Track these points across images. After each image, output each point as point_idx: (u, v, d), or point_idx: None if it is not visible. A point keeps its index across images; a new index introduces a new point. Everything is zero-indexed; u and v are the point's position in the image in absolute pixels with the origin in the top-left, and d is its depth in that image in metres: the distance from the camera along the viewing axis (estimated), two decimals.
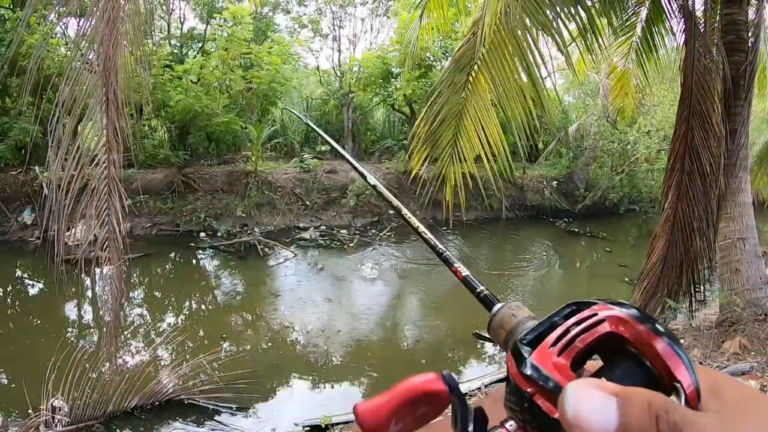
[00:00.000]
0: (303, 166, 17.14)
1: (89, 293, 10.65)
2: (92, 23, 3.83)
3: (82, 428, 5.04)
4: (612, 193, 18.41)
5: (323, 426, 5.43)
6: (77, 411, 5.14)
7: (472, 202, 17.21)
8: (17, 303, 10.87)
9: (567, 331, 0.46)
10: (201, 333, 8.60)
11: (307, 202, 16.36)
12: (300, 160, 17.43)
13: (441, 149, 5.88)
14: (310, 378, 7.28)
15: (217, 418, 6.04)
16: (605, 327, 0.45)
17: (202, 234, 14.28)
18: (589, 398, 0.39)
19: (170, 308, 10.23)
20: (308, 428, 5.52)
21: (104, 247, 4.07)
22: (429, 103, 6.00)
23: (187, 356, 6.56)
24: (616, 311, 0.45)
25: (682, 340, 5.72)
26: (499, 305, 0.60)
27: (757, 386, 4.51)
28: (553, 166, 20.56)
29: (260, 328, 9.07)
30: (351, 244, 14.46)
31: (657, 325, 0.43)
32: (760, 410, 0.40)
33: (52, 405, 5.00)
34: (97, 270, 10.54)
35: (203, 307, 10.47)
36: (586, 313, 0.47)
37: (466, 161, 5.76)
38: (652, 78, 8.97)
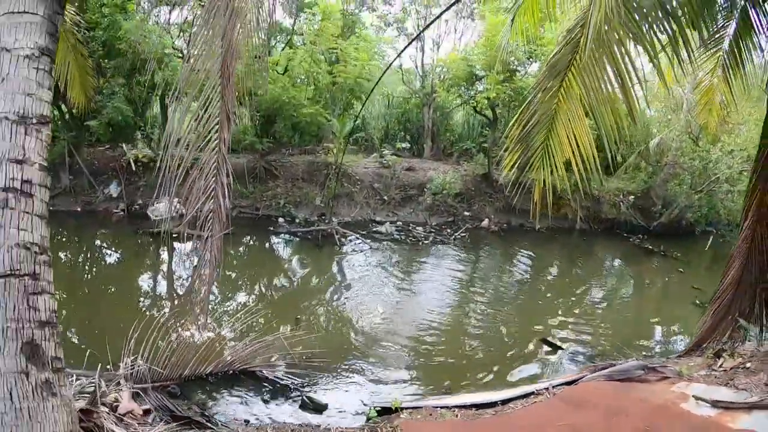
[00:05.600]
0: (382, 161, 17.54)
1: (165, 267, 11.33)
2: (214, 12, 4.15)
3: (158, 387, 5.39)
4: (689, 212, 17.95)
5: (393, 409, 5.66)
6: (155, 372, 5.50)
7: (547, 211, 17.22)
8: (97, 270, 11.56)
9: None
10: (272, 313, 8.94)
11: (385, 197, 16.70)
12: (380, 156, 17.79)
13: (532, 152, 6.00)
14: (375, 363, 7.52)
15: (284, 392, 6.40)
16: None
17: (281, 219, 14.87)
18: None
19: (245, 287, 10.68)
20: (379, 409, 5.77)
21: (209, 218, 4.43)
22: (522, 107, 6.11)
23: (261, 332, 6.89)
24: None
25: (748, 363, 5.76)
26: None
27: None
28: (632, 180, 20.17)
29: (331, 314, 9.40)
30: (426, 242, 14.71)
31: None
32: None
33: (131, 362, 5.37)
34: (180, 244, 11.32)
35: (277, 288, 10.87)
36: None
37: (556, 167, 5.85)
38: (737, 95, 8.81)
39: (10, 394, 2.78)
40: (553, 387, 6.15)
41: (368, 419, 5.66)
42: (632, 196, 19.19)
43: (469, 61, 17.80)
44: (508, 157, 6.08)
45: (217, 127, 4.27)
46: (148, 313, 8.56)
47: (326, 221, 14.84)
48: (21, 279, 2.88)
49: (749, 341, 6.48)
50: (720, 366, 6.10)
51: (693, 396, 5.31)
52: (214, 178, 4.39)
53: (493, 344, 8.51)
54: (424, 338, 8.48)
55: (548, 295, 11.70)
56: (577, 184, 17.53)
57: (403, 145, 19.87)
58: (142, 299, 9.70)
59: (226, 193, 4.38)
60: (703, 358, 6.59)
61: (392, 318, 9.31)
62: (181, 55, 14.29)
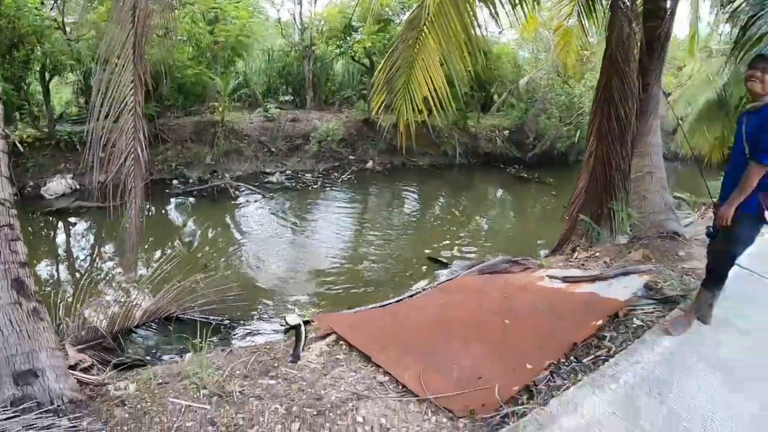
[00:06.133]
0: (267, 115, 17.90)
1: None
2: None
3: (93, 345, 5.85)
4: (559, 142, 19.61)
5: (302, 323, 6.29)
6: (88, 333, 5.94)
7: (428, 150, 18.36)
8: None
9: None
10: (183, 264, 9.25)
11: (273, 149, 17.20)
12: (264, 110, 18.15)
13: (395, 93, 6.85)
14: (284, 297, 8.18)
15: (211, 330, 6.95)
16: None
17: (175, 181, 15.04)
18: None
19: (152, 248, 10.92)
20: (289, 327, 6.40)
21: (131, 173, 4.98)
22: (387, 55, 6.96)
23: (175, 283, 7.36)
24: None
25: (597, 253, 6.97)
26: None
27: (642, 281, 5.78)
28: (506, 116, 21.73)
29: (236, 259, 9.91)
30: (315, 186, 15.52)
31: None
32: None
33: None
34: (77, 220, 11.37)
35: (184, 243, 11.22)
36: None
37: (416, 107, 6.77)
38: (594, 37, 10.02)
39: (10, 320, 3.40)
40: (436, 285, 7.19)
41: (286, 332, 6.25)
42: (507, 131, 20.73)
43: (345, 13, 18.42)
44: (376, 99, 6.96)
45: (132, 90, 4.80)
46: (65, 284, 8.92)
47: (219, 177, 15.21)
48: (2, 228, 3.46)
49: (600, 241, 7.74)
50: (575, 258, 7.30)
51: (547, 276, 6.38)
52: (133, 136, 4.93)
53: (389, 269, 9.36)
54: (326, 271, 9.20)
55: (435, 223, 12.84)
56: (456, 123, 18.85)
57: (286, 97, 20.25)
58: (56, 273, 9.82)
59: (145, 147, 4.95)
60: (562, 255, 7.80)
61: (293, 257, 10.11)
62: (59, 26, 13.89)
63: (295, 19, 20.76)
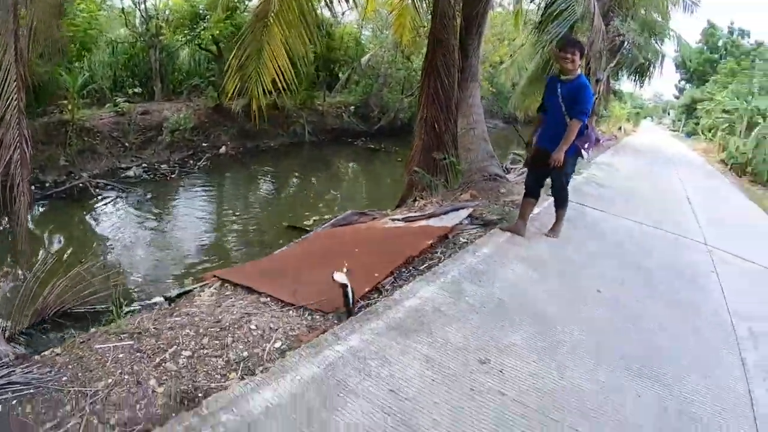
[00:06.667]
0: (117, 110, 17.73)
1: None
2: None
3: None
4: (402, 113, 21.09)
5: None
6: None
7: (279, 130, 19.10)
8: None
9: None
10: (58, 264, 9.25)
11: (126, 144, 17.13)
12: (114, 105, 18.00)
13: (247, 78, 7.67)
14: (159, 281, 8.42)
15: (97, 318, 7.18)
16: None
17: (32, 187, 14.61)
18: None
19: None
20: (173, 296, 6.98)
21: (19, 165, 5.53)
22: (238, 44, 7.78)
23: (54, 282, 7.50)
24: None
25: (435, 201, 8.32)
26: None
27: (467, 212, 7.24)
28: (351, 93, 22.87)
29: (107, 252, 9.99)
30: (173, 176, 15.78)
31: None
32: None
33: None
34: None
35: (53, 244, 11.27)
36: None
37: (267, 90, 7.67)
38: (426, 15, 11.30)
39: None
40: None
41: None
42: (353, 107, 21.88)
43: (192, 2, 18.70)
44: (230, 84, 7.77)
45: (16, 88, 5.37)
46: None
47: (76, 177, 15.09)
48: None
49: (437, 190, 9.04)
50: (416, 206, 8.50)
51: (390, 219, 7.46)
52: (17, 131, 5.49)
53: (253, 244, 10.01)
54: (194, 249, 9.75)
55: (293, 198, 13.90)
56: (304, 103, 19.69)
57: (135, 90, 20.06)
58: None
59: (28, 141, 5.50)
60: (405, 207, 8.89)
61: (162, 243, 10.38)
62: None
63: (138, 6, 20.42)
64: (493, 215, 7.26)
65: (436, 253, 5.79)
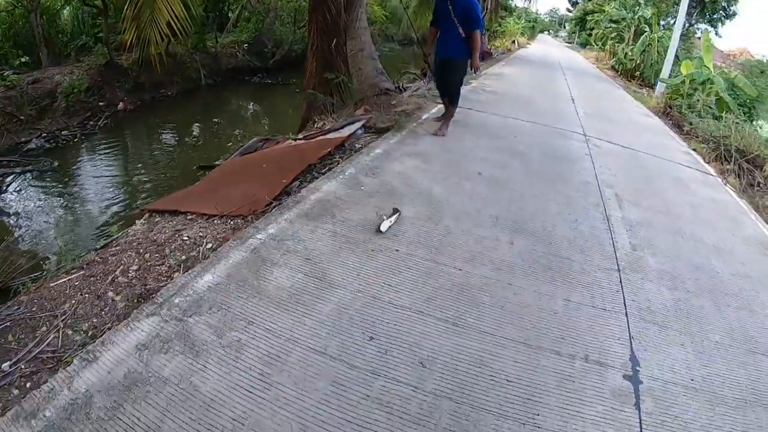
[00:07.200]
0: (6, 83, 17.25)
1: None
2: None
3: None
4: (296, 45, 21.29)
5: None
6: None
7: (174, 78, 19.04)
8: None
9: None
10: None
11: (21, 117, 16.81)
12: (1, 79, 17.52)
13: (143, 27, 8.01)
14: (86, 235, 8.88)
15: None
16: None
17: None
18: None
19: None
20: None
21: None
22: None
23: None
24: None
25: (332, 119, 9.12)
26: None
27: (361, 123, 8.10)
28: (243, 31, 22.80)
29: (31, 228, 9.78)
30: (75, 140, 15.48)
31: None
32: None
33: None
34: None
35: None
36: None
37: (162, 35, 8.05)
38: None
39: None
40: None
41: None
42: (246, 45, 21.84)
43: None
44: (128, 35, 8.15)
45: None
46: None
47: None
48: None
49: (334, 110, 9.72)
50: (315, 126, 9.15)
51: (292, 139, 8.10)
52: None
53: (169, 190, 9.96)
54: (111, 210, 10.06)
55: (200, 142, 14.24)
56: (197, 46, 19.65)
57: (22, 60, 19.37)
58: None
59: None
60: (306, 131, 9.64)
61: (76, 209, 10.57)
62: None
63: None
64: (385, 124, 8.12)
65: (335, 158, 6.60)
